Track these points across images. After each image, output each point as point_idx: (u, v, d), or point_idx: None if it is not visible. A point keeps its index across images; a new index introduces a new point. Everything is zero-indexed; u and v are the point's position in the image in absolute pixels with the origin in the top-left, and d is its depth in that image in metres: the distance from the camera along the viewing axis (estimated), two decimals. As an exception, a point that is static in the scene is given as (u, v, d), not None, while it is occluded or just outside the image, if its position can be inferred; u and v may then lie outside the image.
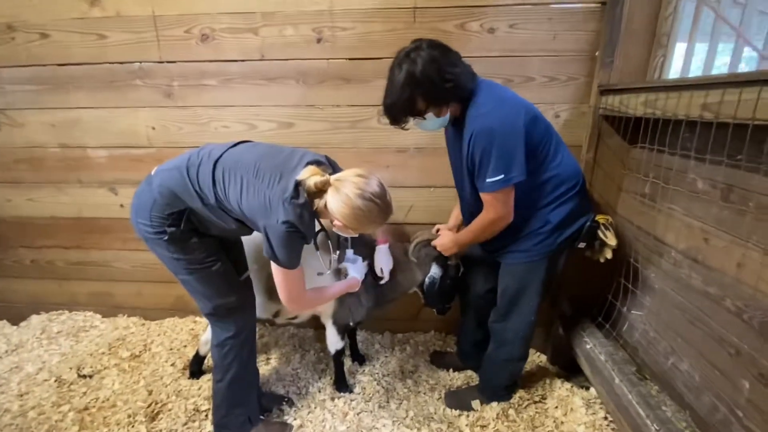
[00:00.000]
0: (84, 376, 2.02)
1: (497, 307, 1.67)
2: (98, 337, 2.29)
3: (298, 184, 1.24)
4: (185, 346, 2.21)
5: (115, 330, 2.34)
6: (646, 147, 1.51)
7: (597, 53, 1.74)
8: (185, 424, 1.73)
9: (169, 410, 1.79)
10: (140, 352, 2.17)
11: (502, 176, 1.32)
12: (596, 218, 1.52)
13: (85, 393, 1.91)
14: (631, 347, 1.63)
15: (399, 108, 1.34)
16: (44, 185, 2.19)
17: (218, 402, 1.59)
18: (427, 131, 1.50)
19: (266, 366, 2.08)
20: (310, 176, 1.24)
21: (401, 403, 1.85)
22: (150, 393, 1.88)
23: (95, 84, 1.97)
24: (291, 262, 1.28)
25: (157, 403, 1.82)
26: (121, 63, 1.92)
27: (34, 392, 1.93)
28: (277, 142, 1.92)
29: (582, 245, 1.54)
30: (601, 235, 1.52)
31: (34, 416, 1.78)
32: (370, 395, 1.89)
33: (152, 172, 1.36)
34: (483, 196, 1.41)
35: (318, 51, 1.82)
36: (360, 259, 1.68)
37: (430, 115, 1.37)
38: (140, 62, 1.91)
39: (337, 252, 1.54)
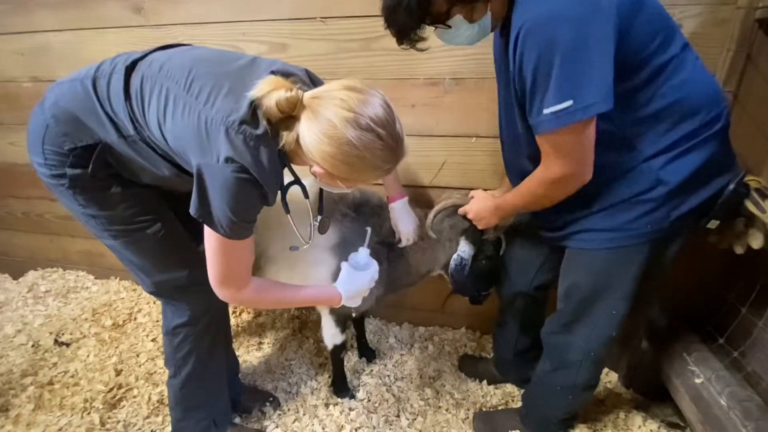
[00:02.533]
0: (61, 344, 1.79)
1: (558, 312, 1.13)
2: (86, 300, 2.06)
3: (255, 107, 0.79)
4: (173, 319, 1.92)
5: (105, 294, 2.10)
6: None
7: None
8: (146, 417, 1.42)
9: (134, 397, 1.50)
10: (124, 321, 1.91)
11: (570, 103, 0.77)
12: (744, 179, 0.90)
13: (55, 364, 1.68)
14: (778, 394, 1.04)
15: (404, 12, 0.82)
16: (22, 127, 1.90)
17: (172, 403, 1.24)
18: (459, 45, 0.94)
19: (257, 352, 1.72)
20: (271, 91, 0.77)
21: (415, 420, 1.41)
22: (118, 373, 1.60)
23: (58, -1, 1.61)
24: (235, 228, 0.83)
25: (121, 388, 1.53)
26: (82, -32, 1.53)
27: (8, 357, 1.73)
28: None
29: (713, 224, 0.93)
30: (752, 207, 0.90)
31: (-2, 386, 1.58)
32: (376, 404, 1.47)
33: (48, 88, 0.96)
34: (540, 141, 0.86)
35: (319, -65, 1.30)
36: (374, 265, 1.10)
37: (457, 19, 0.85)
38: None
39: (319, 218, 1.05)
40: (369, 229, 1.14)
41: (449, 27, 0.86)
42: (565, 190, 0.90)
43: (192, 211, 0.82)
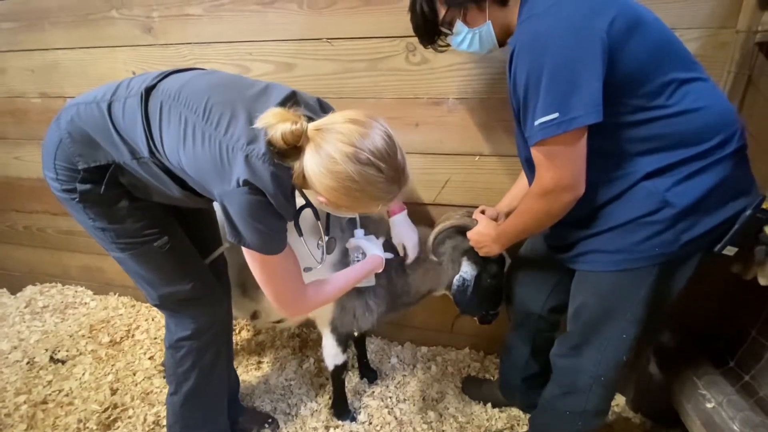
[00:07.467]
0: (56, 361, 1.76)
1: (567, 334, 1.11)
2: (84, 316, 2.04)
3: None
4: (171, 337, 1.89)
5: (103, 310, 2.07)
6: None
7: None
8: (142, 439, 1.38)
9: (129, 418, 1.46)
10: (121, 338, 1.88)
11: (556, 115, 0.81)
12: (764, 205, 0.89)
13: (50, 382, 1.64)
14: (794, 421, 1.01)
15: (421, 22, 1.00)
16: (28, 142, 1.94)
17: (171, 421, 1.21)
18: (466, 51, 1.02)
19: (256, 372, 1.69)
20: (277, 123, 0.78)
21: (418, 444, 1.37)
22: (114, 392, 1.56)
23: (70, 18, 1.64)
24: (268, 243, 0.86)
25: (116, 407, 1.49)
26: (95, -11, 1.57)
27: (2, 374, 1.70)
28: (274, 89, 1.48)
29: (730, 252, 0.90)
30: (775, 236, 0.89)
31: (-9, 405, 1.54)
32: (378, 428, 1.43)
33: (65, 105, 0.98)
34: (534, 153, 0.89)
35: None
36: (373, 237, 1.20)
37: (459, 25, 0.97)
38: (116, -14, 1.55)
39: (326, 237, 1.07)
40: (356, 216, 1.21)
41: (452, 32, 0.98)
42: (559, 201, 0.90)
43: (228, 237, 0.85)
